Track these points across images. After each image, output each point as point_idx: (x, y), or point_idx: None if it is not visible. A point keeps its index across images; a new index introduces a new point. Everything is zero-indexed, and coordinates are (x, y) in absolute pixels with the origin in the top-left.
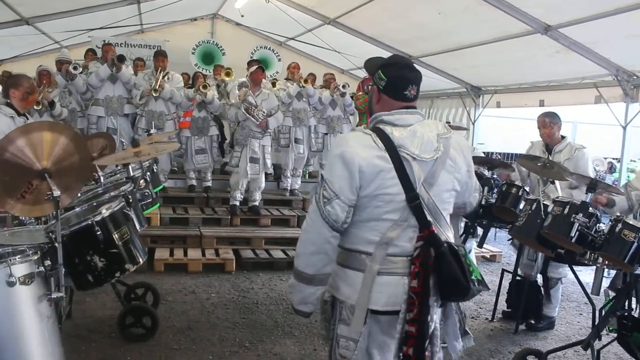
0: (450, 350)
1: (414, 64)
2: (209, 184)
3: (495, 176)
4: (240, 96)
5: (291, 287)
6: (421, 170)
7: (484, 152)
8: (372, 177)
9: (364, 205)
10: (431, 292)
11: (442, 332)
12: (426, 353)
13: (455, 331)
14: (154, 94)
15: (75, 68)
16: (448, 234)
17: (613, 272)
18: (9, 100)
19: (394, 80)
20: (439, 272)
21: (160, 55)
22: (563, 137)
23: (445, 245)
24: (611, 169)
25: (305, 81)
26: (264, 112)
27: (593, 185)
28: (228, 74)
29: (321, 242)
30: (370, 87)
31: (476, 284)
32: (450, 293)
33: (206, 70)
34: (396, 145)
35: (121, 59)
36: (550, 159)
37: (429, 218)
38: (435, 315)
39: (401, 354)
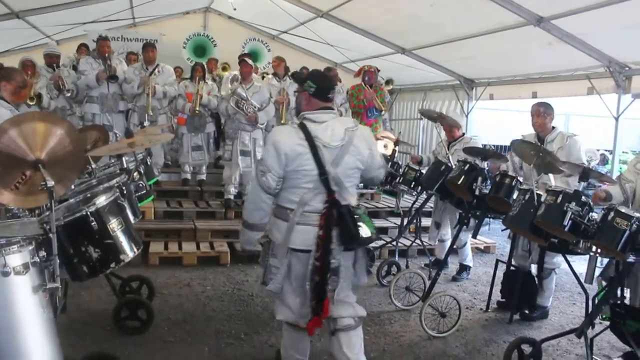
0: (360, 283)
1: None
2: (203, 177)
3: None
4: (231, 89)
5: (240, 233)
6: (329, 154)
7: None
8: (294, 158)
9: (289, 177)
10: (334, 240)
11: (353, 271)
12: (328, 278)
13: (362, 269)
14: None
15: (68, 91)
16: (350, 200)
17: (606, 262)
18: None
19: (321, 87)
20: (339, 225)
21: (148, 47)
22: (553, 128)
23: (344, 206)
24: (604, 160)
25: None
26: (254, 106)
27: (585, 173)
28: (225, 69)
29: (259, 202)
30: (297, 93)
31: (363, 233)
32: (345, 240)
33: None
34: (313, 136)
35: (114, 77)
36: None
37: (334, 188)
38: (339, 255)
39: (310, 282)
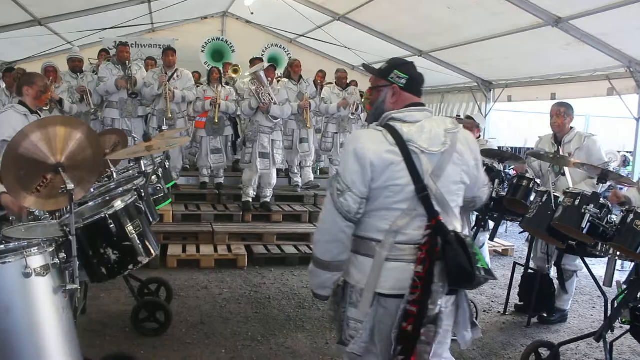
0: (459, 341)
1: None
2: (221, 180)
3: (507, 170)
4: (253, 74)
5: (310, 273)
6: (429, 163)
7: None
8: (383, 170)
9: (376, 196)
10: (437, 279)
11: (453, 323)
12: (422, 330)
13: (465, 321)
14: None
15: (92, 110)
16: (456, 225)
17: (627, 265)
18: (21, 98)
19: (414, 78)
20: (446, 260)
21: (169, 51)
22: (571, 128)
23: (452, 234)
24: (625, 162)
25: (307, 126)
26: (271, 97)
27: (604, 175)
28: (236, 71)
29: (336, 232)
30: (381, 87)
31: (482, 272)
32: (456, 280)
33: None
34: (405, 140)
35: (135, 94)
36: (560, 150)
37: (437, 208)
38: (441, 301)
39: (397, 330)
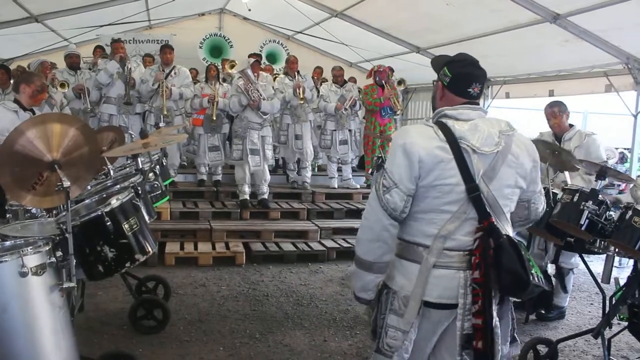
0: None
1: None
2: (219, 178)
3: None
4: (240, 72)
5: (352, 274)
6: (481, 163)
7: None
8: (432, 167)
9: (423, 195)
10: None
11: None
12: (496, 346)
13: (506, 334)
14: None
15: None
16: (507, 229)
17: (624, 262)
18: (17, 95)
19: (458, 77)
20: (498, 264)
21: (166, 48)
22: (571, 126)
23: (504, 236)
24: (623, 159)
25: (302, 98)
26: (259, 93)
27: (603, 172)
28: (233, 67)
29: (379, 230)
30: (434, 82)
31: (536, 279)
32: (509, 287)
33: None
34: (457, 137)
35: (128, 104)
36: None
37: (488, 210)
38: (494, 312)
39: (464, 353)
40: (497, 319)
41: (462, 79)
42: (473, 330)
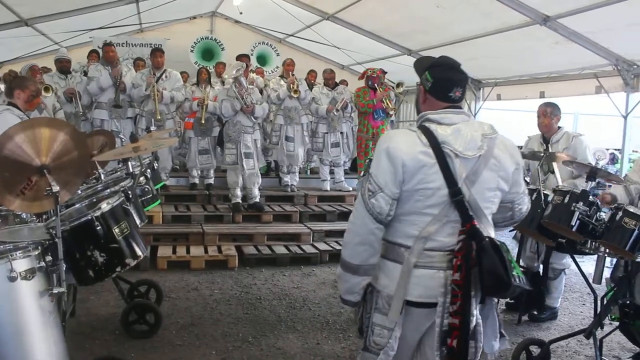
0: (486, 350)
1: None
2: (211, 181)
3: None
4: (233, 75)
5: (338, 277)
6: (463, 167)
7: None
8: (415, 172)
9: (406, 199)
10: (472, 287)
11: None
12: (470, 345)
13: (494, 330)
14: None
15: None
16: (489, 231)
17: (615, 262)
18: (11, 100)
19: (439, 82)
20: (480, 266)
21: (157, 52)
22: (559, 128)
23: (487, 239)
24: (613, 160)
25: (295, 91)
26: (252, 99)
27: (593, 173)
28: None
29: (366, 233)
30: (417, 85)
31: (517, 280)
32: (491, 287)
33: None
34: (440, 142)
35: (118, 107)
36: (549, 149)
37: (471, 213)
38: (476, 310)
39: (443, 348)
40: (480, 317)
41: (443, 84)
42: (449, 328)
